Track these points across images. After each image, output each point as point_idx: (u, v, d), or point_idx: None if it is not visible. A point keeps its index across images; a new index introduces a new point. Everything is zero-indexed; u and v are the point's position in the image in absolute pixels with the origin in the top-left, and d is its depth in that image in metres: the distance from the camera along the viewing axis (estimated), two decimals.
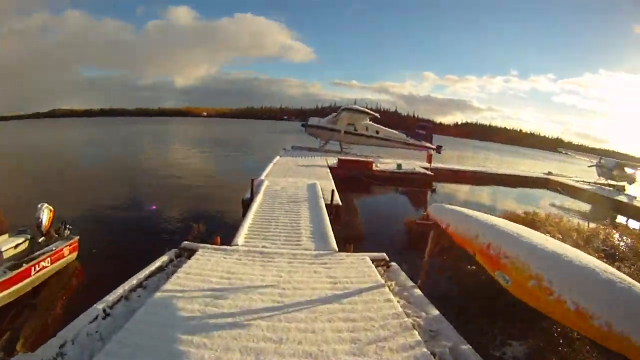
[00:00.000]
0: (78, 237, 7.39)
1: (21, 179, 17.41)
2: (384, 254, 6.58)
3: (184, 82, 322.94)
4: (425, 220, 6.47)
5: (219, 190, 16.22)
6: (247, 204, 10.61)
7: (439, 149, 28.39)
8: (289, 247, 7.00)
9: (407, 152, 28.33)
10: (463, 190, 20.81)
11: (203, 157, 29.21)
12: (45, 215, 6.82)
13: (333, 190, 11.26)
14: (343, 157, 21.63)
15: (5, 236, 6.74)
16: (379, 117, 26.63)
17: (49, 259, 6.58)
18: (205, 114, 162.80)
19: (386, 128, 28.11)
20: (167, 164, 23.78)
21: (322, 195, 11.39)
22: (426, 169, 21.45)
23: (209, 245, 6.72)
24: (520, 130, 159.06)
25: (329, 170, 17.55)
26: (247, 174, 15.06)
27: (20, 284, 5.88)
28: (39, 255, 6.49)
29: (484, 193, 20.63)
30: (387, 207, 15.71)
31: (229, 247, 6.67)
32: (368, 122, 27.17)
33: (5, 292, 5.57)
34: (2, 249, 6.26)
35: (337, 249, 6.90)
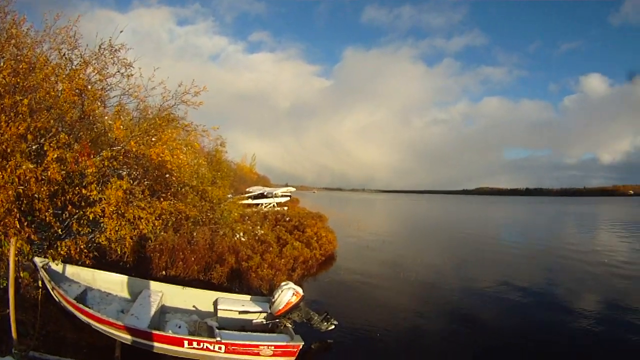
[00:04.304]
0: (302, 343, 4.68)
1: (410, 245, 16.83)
2: None
3: (610, 158, 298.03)
4: None
5: None
6: None
7: None
8: None
9: None
10: None
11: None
12: (283, 296, 5.11)
13: None
14: None
15: (247, 297, 5.82)
16: None
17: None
18: (631, 192, 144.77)
19: None
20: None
21: None
22: None
23: None
24: None
25: None
26: None
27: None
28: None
29: None
30: None
31: None
32: None
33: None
34: (222, 307, 5.36)
35: None
